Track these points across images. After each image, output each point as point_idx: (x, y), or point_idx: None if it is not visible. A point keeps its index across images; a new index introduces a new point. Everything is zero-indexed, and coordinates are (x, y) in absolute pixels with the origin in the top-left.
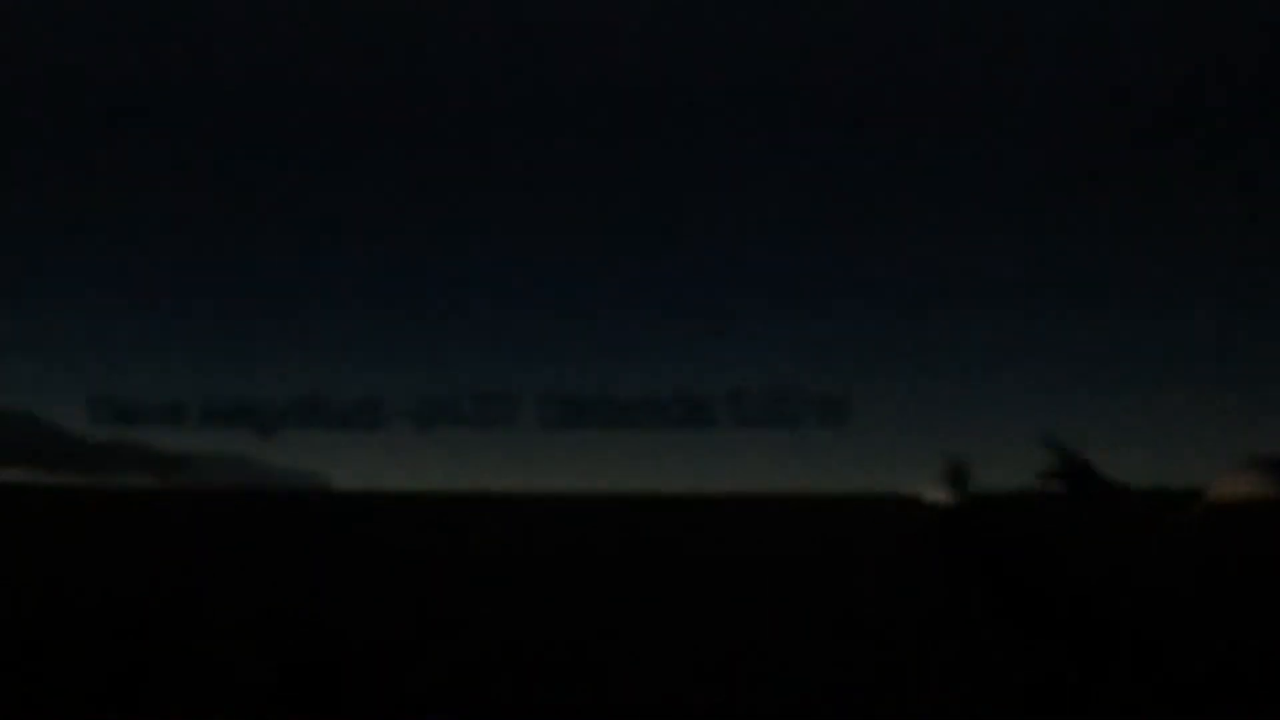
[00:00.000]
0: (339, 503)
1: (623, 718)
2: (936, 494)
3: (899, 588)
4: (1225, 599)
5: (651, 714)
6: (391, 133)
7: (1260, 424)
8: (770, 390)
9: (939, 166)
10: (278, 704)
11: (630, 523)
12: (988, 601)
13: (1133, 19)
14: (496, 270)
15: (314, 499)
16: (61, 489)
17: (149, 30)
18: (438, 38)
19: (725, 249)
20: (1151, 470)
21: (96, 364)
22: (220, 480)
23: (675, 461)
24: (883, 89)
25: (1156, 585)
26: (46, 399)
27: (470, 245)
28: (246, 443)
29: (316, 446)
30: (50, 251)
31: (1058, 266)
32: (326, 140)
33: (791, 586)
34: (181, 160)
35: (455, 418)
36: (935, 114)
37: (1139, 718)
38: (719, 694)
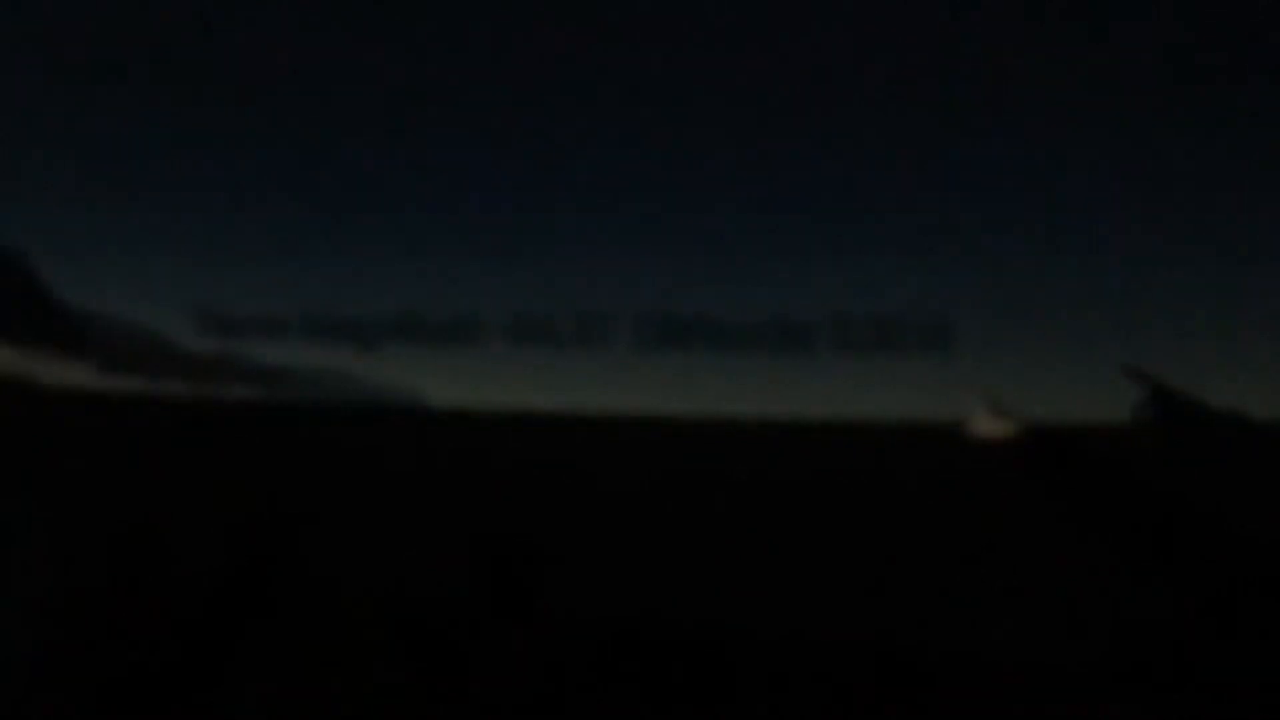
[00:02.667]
0: (434, 419)
1: (725, 637)
2: (991, 425)
3: (1006, 515)
4: None
5: (743, 636)
6: (502, 54)
7: None
8: (871, 318)
9: (1052, 99)
10: (379, 613)
11: (724, 448)
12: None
13: None
14: (598, 191)
15: (410, 415)
16: (172, 400)
17: None
18: None
19: (830, 174)
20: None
21: (205, 278)
22: (320, 394)
23: (773, 386)
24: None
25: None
26: (155, 310)
27: (573, 166)
28: (345, 358)
29: (413, 363)
30: (159, 169)
31: (1164, 197)
32: (433, 60)
33: (888, 514)
34: (286, 75)
35: (551, 337)
36: (1043, 53)
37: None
38: (815, 620)
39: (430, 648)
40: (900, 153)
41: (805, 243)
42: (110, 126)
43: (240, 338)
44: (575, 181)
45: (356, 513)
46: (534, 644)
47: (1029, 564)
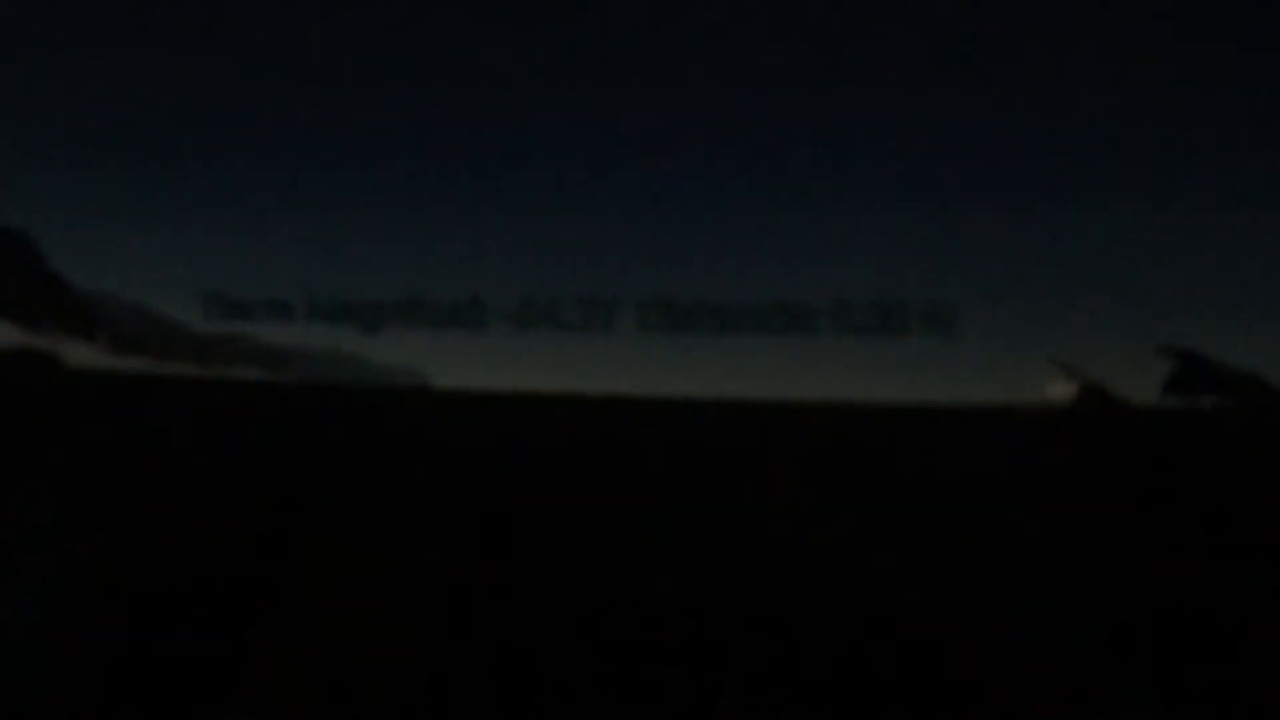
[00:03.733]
0: (438, 401)
1: (716, 613)
2: (1065, 389)
3: (1011, 501)
4: None
5: (743, 615)
6: (504, 39)
7: None
8: (874, 303)
9: (1052, 73)
10: (382, 591)
11: (731, 429)
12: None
13: None
14: (601, 175)
15: (413, 397)
16: (179, 380)
17: None
18: None
19: (832, 156)
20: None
21: (212, 261)
22: (325, 375)
23: (776, 368)
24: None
25: None
26: (162, 293)
27: (576, 150)
28: (350, 339)
29: (418, 345)
30: (166, 151)
31: (1171, 176)
32: (440, 45)
33: (891, 497)
34: (286, 62)
35: (555, 321)
36: (1043, 34)
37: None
38: (824, 604)
39: (431, 626)
40: (903, 134)
41: (808, 225)
42: (115, 108)
43: (246, 320)
44: (580, 167)
45: (362, 494)
46: (533, 623)
47: (1036, 543)
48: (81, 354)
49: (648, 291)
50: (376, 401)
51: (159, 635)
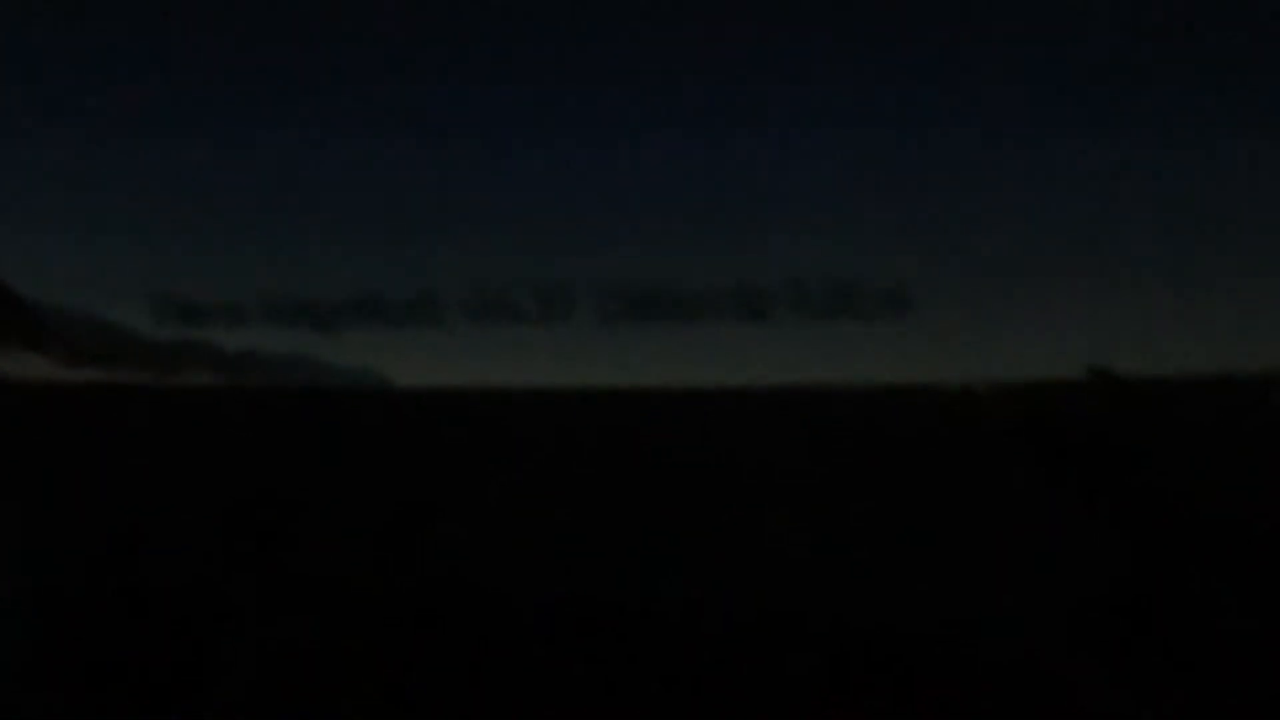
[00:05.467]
0: (400, 401)
1: (681, 612)
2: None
3: (958, 482)
4: None
5: (706, 612)
6: (453, 24)
7: None
8: (829, 281)
9: (1007, 53)
10: (360, 595)
11: (688, 418)
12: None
13: None
14: (550, 162)
15: (375, 398)
16: (135, 390)
17: None
18: None
19: (783, 134)
20: (1229, 349)
21: (161, 265)
22: (282, 379)
23: (734, 355)
24: None
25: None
26: (113, 301)
27: (524, 135)
28: (307, 342)
29: (377, 345)
30: (109, 156)
31: (1131, 152)
32: (384, 42)
33: (850, 482)
34: (232, 63)
35: (514, 313)
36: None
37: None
38: (777, 596)
39: (400, 629)
40: (855, 115)
41: (762, 209)
42: (58, 115)
43: (200, 325)
44: (528, 155)
45: (329, 497)
46: (506, 620)
47: (993, 525)
48: (35, 366)
49: (605, 282)
50: (339, 404)
51: (127, 648)
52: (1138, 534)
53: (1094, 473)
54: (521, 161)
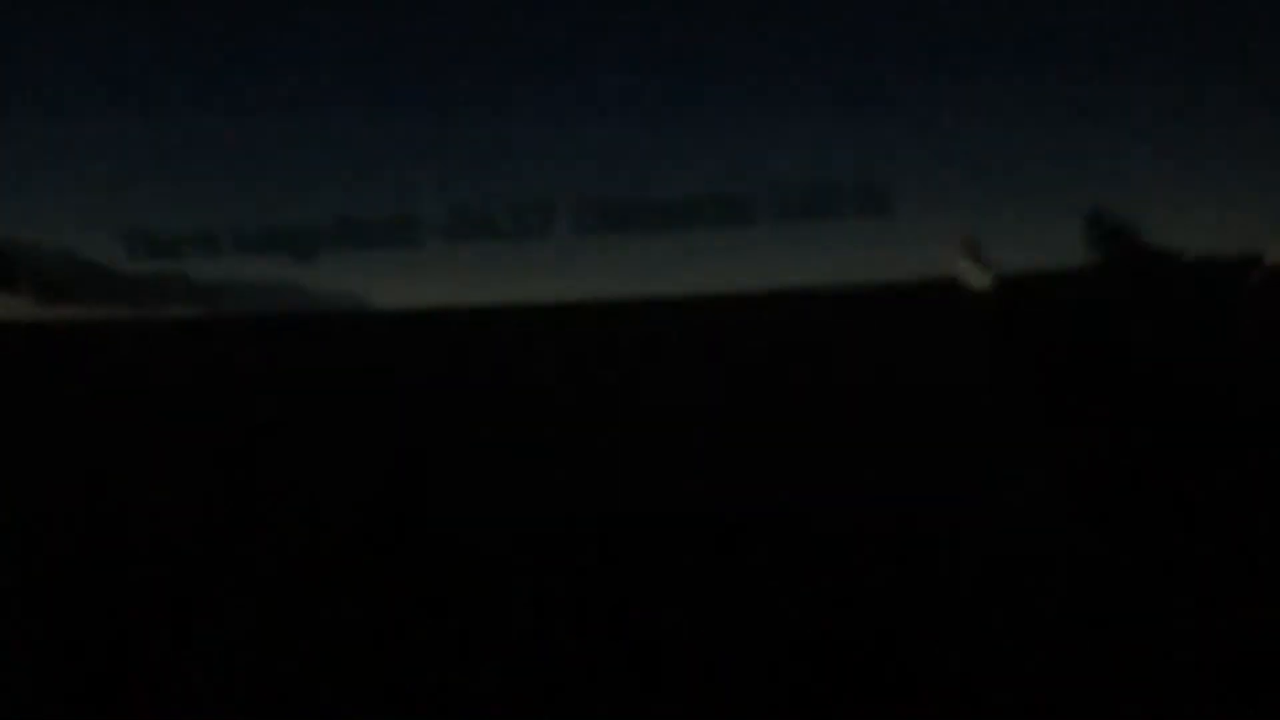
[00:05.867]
0: (379, 324)
1: (681, 522)
2: (976, 276)
3: (949, 376)
4: None
5: (693, 520)
6: None
7: None
8: (810, 184)
9: None
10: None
11: (674, 325)
12: (1045, 385)
13: None
14: (525, 77)
15: (353, 321)
16: (107, 324)
17: None
18: None
19: (759, 38)
20: (1207, 238)
21: (131, 197)
22: (261, 307)
23: (717, 261)
24: None
25: (1222, 357)
26: (84, 236)
27: (498, 51)
28: (284, 268)
29: (354, 268)
30: (76, 87)
31: (1092, 31)
32: None
33: (837, 380)
34: None
35: (491, 230)
36: None
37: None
38: (764, 497)
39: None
40: (830, 11)
41: (739, 111)
42: (23, 40)
43: (174, 257)
44: (501, 65)
45: (316, 424)
46: (501, 532)
47: (980, 418)
48: (4, 305)
49: (581, 190)
50: (318, 329)
51: (119, 605)
52: (1123, 412)
53: (1078, 355)
54: (497, 76)
